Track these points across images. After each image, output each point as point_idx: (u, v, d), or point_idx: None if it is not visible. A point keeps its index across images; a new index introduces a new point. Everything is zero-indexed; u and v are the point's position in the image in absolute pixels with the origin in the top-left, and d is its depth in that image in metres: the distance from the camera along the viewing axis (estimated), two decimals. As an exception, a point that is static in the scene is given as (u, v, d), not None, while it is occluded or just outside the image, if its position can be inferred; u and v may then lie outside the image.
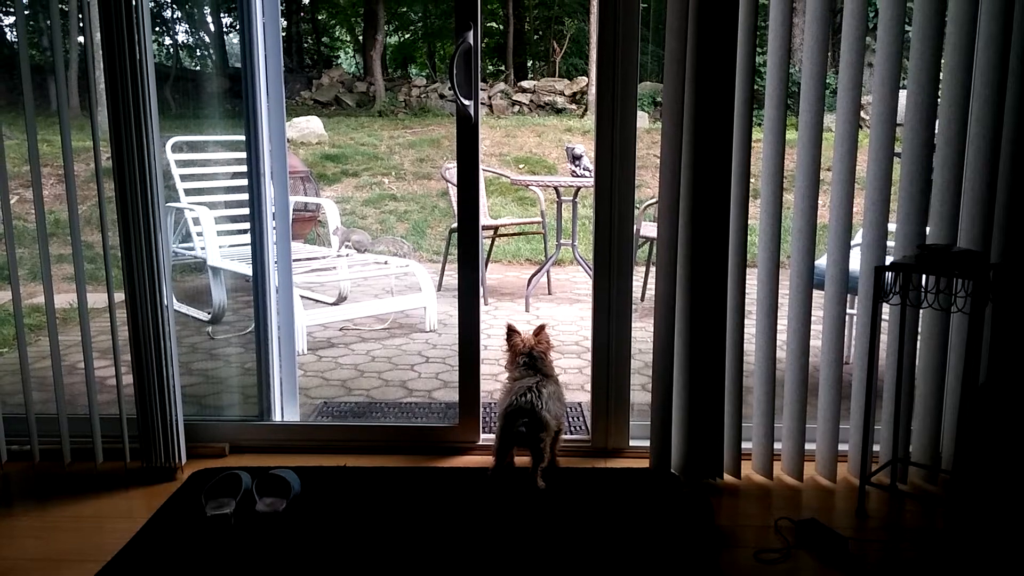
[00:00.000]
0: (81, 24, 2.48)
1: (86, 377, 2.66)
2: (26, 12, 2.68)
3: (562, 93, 14.58)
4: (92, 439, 2.68)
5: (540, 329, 2.76)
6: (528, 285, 5.48)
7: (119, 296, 2.58)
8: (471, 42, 2.58)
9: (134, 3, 2.36)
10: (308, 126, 11.17)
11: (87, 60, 2.52)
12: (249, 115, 2.79)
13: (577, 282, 6.26)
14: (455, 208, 5.63)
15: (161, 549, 2.16)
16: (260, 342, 2.92)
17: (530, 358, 2.69)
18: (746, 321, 2.55)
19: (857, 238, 2.58)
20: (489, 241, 5.93)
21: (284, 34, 17.37)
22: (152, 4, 2.41)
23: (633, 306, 2.75)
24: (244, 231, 4.67)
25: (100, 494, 2.52)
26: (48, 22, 2.59)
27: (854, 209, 2.51)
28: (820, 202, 2.51)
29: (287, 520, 2.30)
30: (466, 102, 2.63)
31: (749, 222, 2.51)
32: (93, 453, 2.68)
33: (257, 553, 2.14)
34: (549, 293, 5.86)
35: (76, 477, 2.63)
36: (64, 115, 2.53)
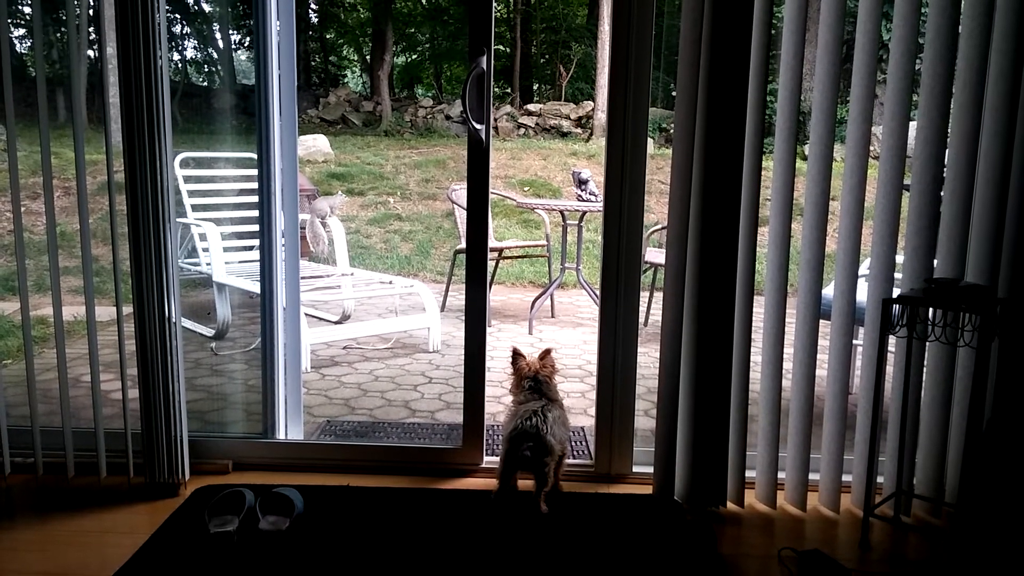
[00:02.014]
0: (91, 38, 2.50)
1: (92, 391, 2.66)
2: (35, 25, 2.70)
3: (568, 117, 14.67)
4: (96, 453, 2.68)
5: (546, 353, 2.77)
6: (531, 308, 5.48)
7: (126, 310, 2.58)
8: (484, 67, 2.61)
9: (151, 19, 2.38)
10: (314, 144, 11.23)
11: (102, 74, 2.54)
12: (261, 133, 2.81)
13: (580, 306, 6.26)
14: (460, 229, 5.66)
15: (164, 565, 2.16)
16: (266, 359, 2.92)
17: (535, 382, 2.69)
18: (752, 349, 2.56)
19: (863, 268, 2.58)
20: (493, 263, 5.94)
21: (292, 52, 17.47)
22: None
23: (638, 331, 2.76)
24: (250, 248, 4.71)
25: (103, 508, 2.51)
26: (58, 35, 2.61)
27: (862, 240, 2.52)
28: (828, 227, 2.52)
29: (290, 539, 2.29)
30: (478, 126, 2.65)
31: (757, 251, 2.52)
32: (97, 467, 2.68)
33: (260, 572, 2.13)
34: (552, 316, 5.86)
35: (79, 491, 2.63)
36: (79, 129, 2.55)
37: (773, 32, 2.42)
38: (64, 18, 2.56)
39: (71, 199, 2.59)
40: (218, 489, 2.49)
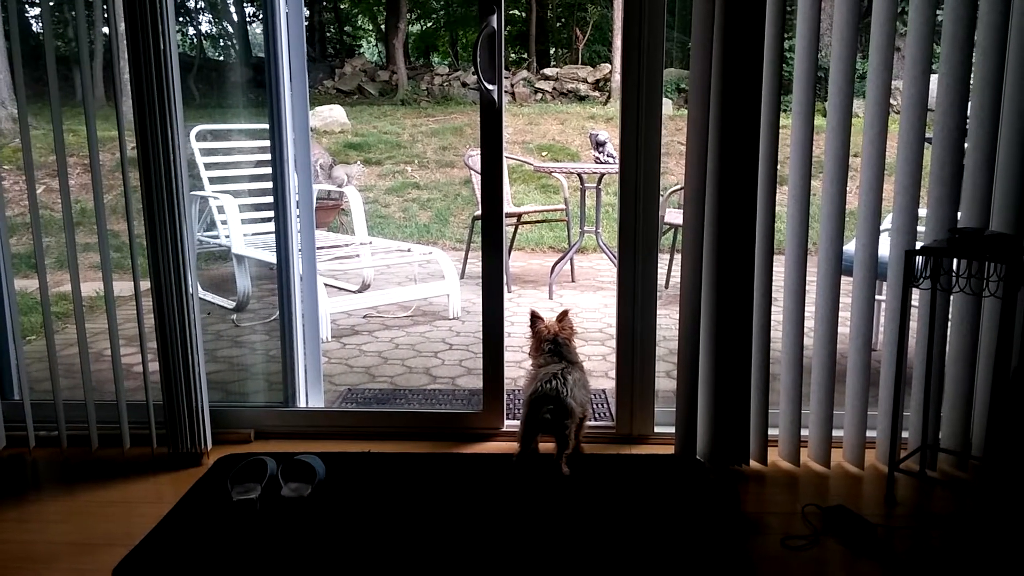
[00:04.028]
0: (106, 15, 2.49)
1: (112, 364, 2.68)
2: (51, 3, 2.69)
3: (585, 80, 14.51)
4: (119, 425, 2.70)
5: (563, 315, 2.75)
6: (551, 272, 5.46)
7: (145, 284, 2.59)
8: (495, 26, 2.57)
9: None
10: (331, 115, 11.19)
11: (111, 50, 2.53)
12: (273, 104, 2.79)
13: (600, 269, 6.24)
14: (478, 196, 5.63)
15: (188, 533, 2.18)
16: (285, 329, 2.92)
17: (555, 344, 2.67)
18: (773, 307, 2.53)
19: (886, 223, 2.54)
20: (512, 229, 5.92)
21: (307, 23, 17.35)
22: (176, -7, 2.41)
23: (657, 293, 2.73)
24: (268, 219, 4.70)
25: (128, 479, 2.54)
26: (73, 13, 2.60)
27: (883, 194, 2.47)
28: (849, 187, 2.48)
29: (312, 505, 2.30)
30: (490, 87, 2.61)
31: (777, 208, 2.48)
32: (120, 439, 2.71)
33: (282, 537, 2.14)
34: (572, 280, 5.84)
35: (104, 463, 2.66)
36: (89, 105, 2.54)
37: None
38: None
39: (91, 176, 2.59)
40: (240, 458, 2.51)
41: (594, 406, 3.11)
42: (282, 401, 2.95)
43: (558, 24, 19.16)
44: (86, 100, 2.55)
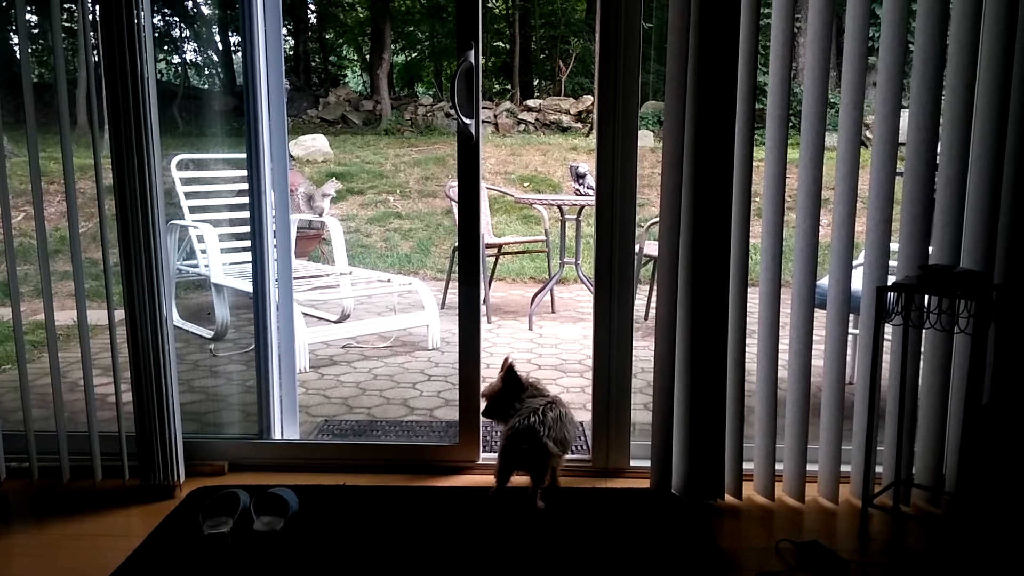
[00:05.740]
0: (87, 42, 2.50)
1: (85, 394, 2.66)
2: (36, 31, 2.70)
3: (567, 112, 14.62)
4: (91, 457, 2.67)
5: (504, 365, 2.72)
6: (531, 303, 5.47)
7: (120, 314, 2.58)
8: (472, 61, 2.59)
9: (136, 21, 2.37)
10: (314, 144, 11.22)
11: (88, 78, 2.53)
12: (251, 133, 2.80)
13: (580, 300, 6.25)
14: (458, 226, 5.65)
15: (158, 568, 2.15)
16: (260, 360, 2.91)
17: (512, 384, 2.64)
18: (747, 341, 2.54)
19: (859, 258, 2.57)
20: (493, 259, 5.93)
21: (291, 53, 17.45)
22: (160, 23, 2.42)
23: (637, 325, 2.74)
24: (248, 248, 4.69)
25: (99, 512, 2.51)
26: (53, 42, 2.60)
27: (856, 229, 2.50)
28: (824, 221, 2.50)
29: (284, 539, 2.28)
30: (467, 121, 2.63)
31: (751, 241, 2.51)
32: (92, 471, 2.68)
33: (254, 572, 2.12)
34: (553, 311, 5.84)
35: (75, 495, 2.62)
36: (65, 133, 2.54)
37: (762, 23, 2.40)
38: (67, 24, 2.56)
39: (66, 203, 2.59)
40: (213, 491, 2.48)
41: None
42: (257, 433, 2.93)
43: (542, 56, 19.32)
44: (62, 127, 2.54)
